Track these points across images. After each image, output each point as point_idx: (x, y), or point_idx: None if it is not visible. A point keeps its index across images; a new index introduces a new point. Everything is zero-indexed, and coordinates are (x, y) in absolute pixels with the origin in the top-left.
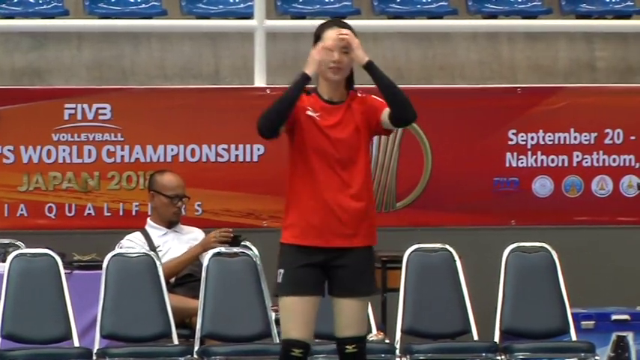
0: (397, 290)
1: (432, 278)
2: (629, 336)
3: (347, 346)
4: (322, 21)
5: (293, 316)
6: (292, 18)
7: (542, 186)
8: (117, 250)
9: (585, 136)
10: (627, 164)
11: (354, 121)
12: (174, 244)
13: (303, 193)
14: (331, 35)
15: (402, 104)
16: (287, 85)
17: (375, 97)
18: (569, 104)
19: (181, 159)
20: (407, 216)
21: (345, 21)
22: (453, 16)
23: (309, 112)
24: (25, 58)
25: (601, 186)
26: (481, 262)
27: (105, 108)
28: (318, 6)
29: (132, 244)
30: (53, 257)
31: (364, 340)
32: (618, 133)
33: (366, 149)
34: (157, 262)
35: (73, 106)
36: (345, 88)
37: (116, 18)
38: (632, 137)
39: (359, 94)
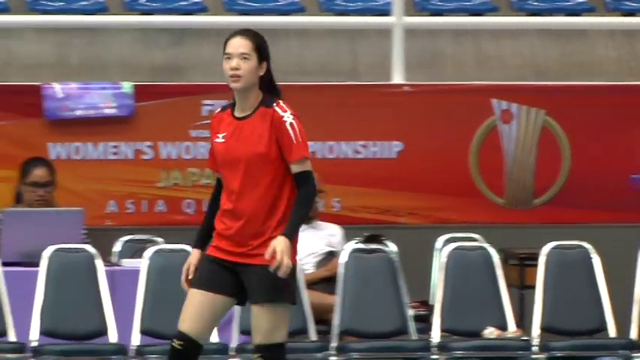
0: (534, 287)
1: (569, 275)
2: None
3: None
4: (460, 18)
5: (188, 305)
6: (430, 15)
7: None
8: None
9: None
10: None
11: (257, 132)
12: (310, 241)
13: None
14: (230, 43)
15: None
16: (426, 83)
17: (284, 132)
18: None
19: (319, 155)
20: (544, 213)
21: (249, 29)
22: (590, 13)
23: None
24: (163, 55)
25: None
26: (617, 259)
27: None
28: (456, 3)
29: None
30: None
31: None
32: None
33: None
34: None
35: (212, 102)
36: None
37: (255, 15)
38: None
39: (275, 107)
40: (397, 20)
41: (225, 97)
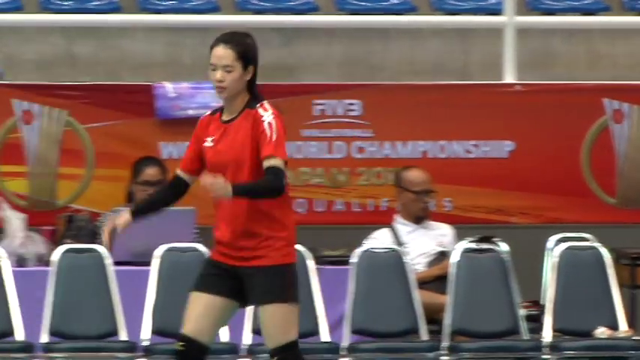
0: None
1: None
2: None
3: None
4: (572, 17)
5: (190, 309)
6: (542, 14)
7: None
8: (365, 246)
9: None
10: None
11: (241, 135)
12: (422, 241)
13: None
14: (213, 53)
15: (274, 193)
16: (538, 82)
17: (262, 131)
18: None
19: (430, 155)
20: None
21: (239, 32)
22: None
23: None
24: (275, 54)
25: None
26: None
27: (354, 104)
28: (568, 2)
29: (380, 240)
30: (302, 252)
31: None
32: None
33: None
34: (405, 259)
35: (323, 101)
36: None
37: (366, 14)
38: None
39: (259, 109)
40: (509, 20)
41: (336, 97)
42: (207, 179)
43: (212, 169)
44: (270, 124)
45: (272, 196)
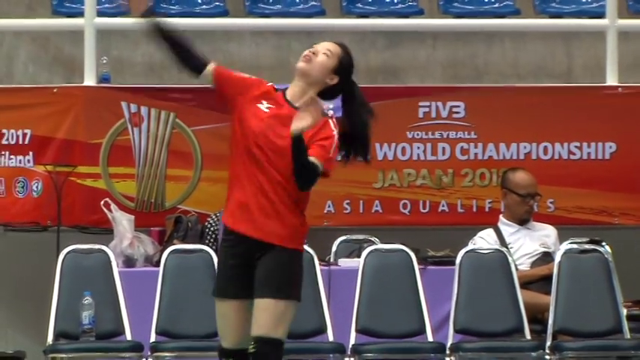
0: None
1: None
2: None
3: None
4: None
5: (220, 319)
6: None
7: None
8: (470, 247)
9: None
10: None
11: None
12: (525, 242)
13: None
14: (322, 43)
15: (303, 178)
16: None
17: (326, 138)
18: None
19: (534, 157)
20: None
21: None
22: None
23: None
24: (380, 57)
25: None
26: None
27: (459, 106)
28: None
29: (484, 240)
30: (407, 253)
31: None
32: None
33: None
34: (510, 259)
35: (428, 104)
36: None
37: (470, 17)
38: None
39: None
40: (611, 22)
41: (440, 99)
42: (306, 108)
43: (254, 137)
44: (333, 139)
45: (306, 178)
